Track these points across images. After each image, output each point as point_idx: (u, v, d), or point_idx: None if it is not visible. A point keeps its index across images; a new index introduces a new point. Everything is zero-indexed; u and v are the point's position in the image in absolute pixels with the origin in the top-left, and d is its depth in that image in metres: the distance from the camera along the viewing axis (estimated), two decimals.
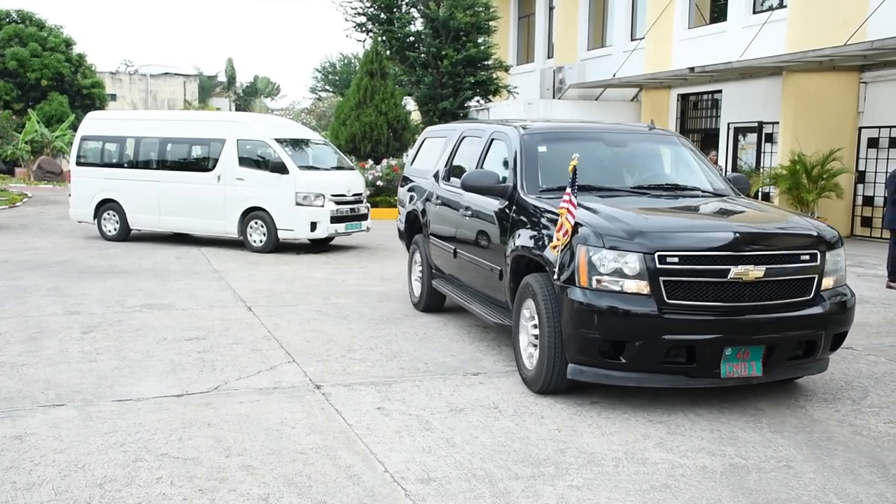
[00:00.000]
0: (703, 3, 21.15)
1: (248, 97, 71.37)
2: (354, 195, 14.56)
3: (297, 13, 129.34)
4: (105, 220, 15.40)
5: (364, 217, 14.77)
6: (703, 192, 7.07)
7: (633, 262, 5.41)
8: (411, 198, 9.51)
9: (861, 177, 17.40)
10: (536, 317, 5.97)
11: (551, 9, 27.66)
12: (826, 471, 4.72)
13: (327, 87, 56.06)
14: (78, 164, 15.85)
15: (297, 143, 14.64)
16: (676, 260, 5.40)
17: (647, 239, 5.47)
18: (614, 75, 22.68)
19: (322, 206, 13.75)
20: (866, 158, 17.22)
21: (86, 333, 7.78)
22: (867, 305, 9.71)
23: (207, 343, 7.46)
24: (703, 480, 4.52)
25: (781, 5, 17.82)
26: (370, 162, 21.54)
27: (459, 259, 7.82)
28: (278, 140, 14.08)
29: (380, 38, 24.70)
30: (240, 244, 14.36)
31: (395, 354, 7.16)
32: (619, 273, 5.44)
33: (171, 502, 4.11)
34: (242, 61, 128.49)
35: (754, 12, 18.93)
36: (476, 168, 7.63)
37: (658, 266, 5.39)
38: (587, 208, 5.88)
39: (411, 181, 9.72)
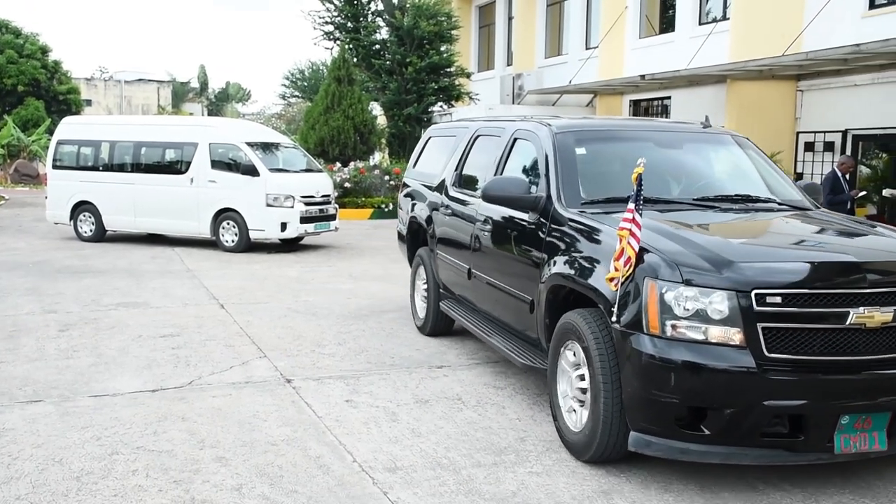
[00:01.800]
0: (652, 15, 21.34)
1: (220, 102, 70.59)
2: (323, 196, 14.49)
3: (268, 21, 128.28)
4: (81, 221, 15.15)
5: (332, 217, 14.69)
6: (779, 204, 5.58)
7: (720, 303, 3.98)
8: (413, 204, 8.07)
9: (799, 178, 17.69)
10: (585, 366, 4.53)
11: (510, 19, 27.76)
12: None
13: (296, 93, 55.62)
14: (54, 167, 15.59)
15: (267, 147, 14.55)
16: (780, 300, 3.98)
17: (738, 271, 4.04)
18: (570, 82, 22.80)
19: (292, 206, 13.66)
20: (804, 161, 17.51)
21: (62, 331, 7.65)
22: None
23: (181, 340, 7.37)
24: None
25: (725, 17, 18.05)
26: (338, 164, 21.43)
27: (476, 281, 6.36)
28: (249, 144, 13.98)
29: (347, 46, 24.60)
30: (212, 244, 14.20)
31: (363, 349, 7.13)
32: (701, 317, 4.00)
33: (146, 494, 4.06)
34: (214, 68, 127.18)
35: (700, 24, 19.15)
36: (496, 174, 6.21)
37: (756, 308, 3.96)
38: (652, 229, 4.43)
39: (413, 186, 8.31)
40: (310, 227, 14.08)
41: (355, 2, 24.80)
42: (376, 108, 26.79)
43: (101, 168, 15.05)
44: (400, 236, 8.70)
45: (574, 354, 4.70)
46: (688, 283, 4.04)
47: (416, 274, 7.97)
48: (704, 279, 4.03)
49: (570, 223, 5.02)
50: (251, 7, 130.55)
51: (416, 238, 8.09)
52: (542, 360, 5.27)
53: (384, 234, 16.85)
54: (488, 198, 5.55)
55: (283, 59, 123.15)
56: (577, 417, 4.68)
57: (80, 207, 15.11)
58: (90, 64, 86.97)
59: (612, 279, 4.25)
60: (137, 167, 14.71)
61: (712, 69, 16.39)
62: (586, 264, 4.70)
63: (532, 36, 26.08)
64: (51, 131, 40.02)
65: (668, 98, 20.59)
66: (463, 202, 6.76)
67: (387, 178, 21.39)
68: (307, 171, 14.90)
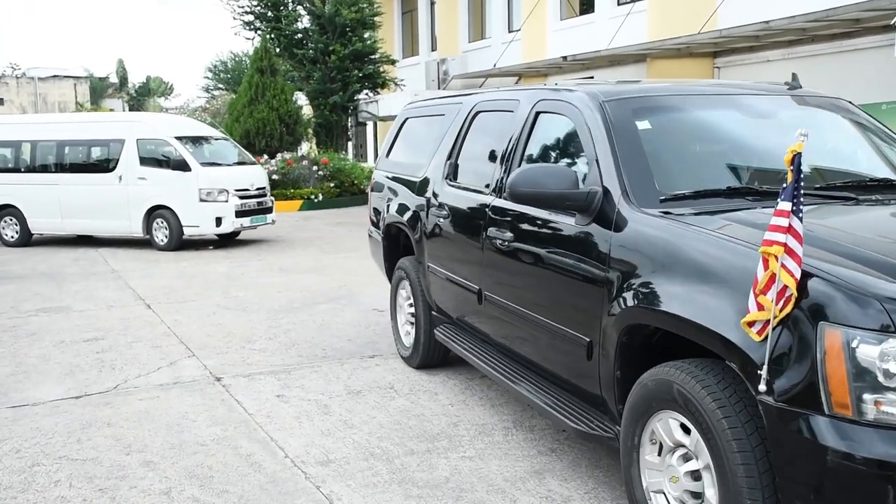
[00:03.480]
0: None
1: (142, 97, 68.87)
2: (258, 189, 14.17)
3: (187, 13, 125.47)
4: (4, 226, 14.59)
5: (269, 210, 14.38)
6: None
7: None
8: (390, 204, 6.46)
9: None
10: (697, 456, 3.02)
11: (433, 4, 27.67)
12: None
13: (220, 85, 54.60)
14: None
15: (197, 141, 14.08)
16: None
17: None
18: (494, 65, 22.87)
19: (226, 201, 13.32)
20: None
21: None
22: None
23: (106, 343, 7.17)
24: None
25: None
26: (265, 157, 21.13)
27: (490, 307, 4.75)
28: (178, 138, 13.54)
29: (268, 36, 24.23)
30: (140, 244, 13.86)
31: (294, 343, 7.05)
32: None
33: None
34: (134, 62, 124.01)
35: (618, 4, 19.40)
36: (508, 161, 4.69)
37: None
38: (807, 239, 2.72)
39: (387, 180, 6.70)
40: (245, 220, 13.74)
41: None
42: (301, 98, 26.49)
43: (22, 169, 14.48)
44: (373, 242, 7.12)
45: (673, 431, 3.12)
46: None
47: (398, 290, 6.42)
48: None
49: (650, 230, 3.42)
50: None
51: (396, 245, 6.54)
52: (605, 424, 3.74)
53: (314, 226, 16.73)
54: (518, 195, 3.94)
55: (205, 50, 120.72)
56: None
57: (3, 211, 14.55)
58: (0, 61, 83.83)
59: (753, 323, 2.69)
60: (62, 167, 14.17)
61: (632, 48, 16.63)
62: (694, 295, 3.05)
63: (455, 21, 26.08)
64: None
65: (591, 78, 20.79)
66: (465, 201, 5.15)
67: (315, 168, 21.18)
68: (240, 163, 14.56)
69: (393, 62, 26.09)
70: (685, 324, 3.05)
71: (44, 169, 14.34)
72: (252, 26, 24.97)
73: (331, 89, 24.06)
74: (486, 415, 5.09)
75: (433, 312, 5.85)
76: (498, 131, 4.98)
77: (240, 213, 13.55)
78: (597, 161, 3.89)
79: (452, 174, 5.51)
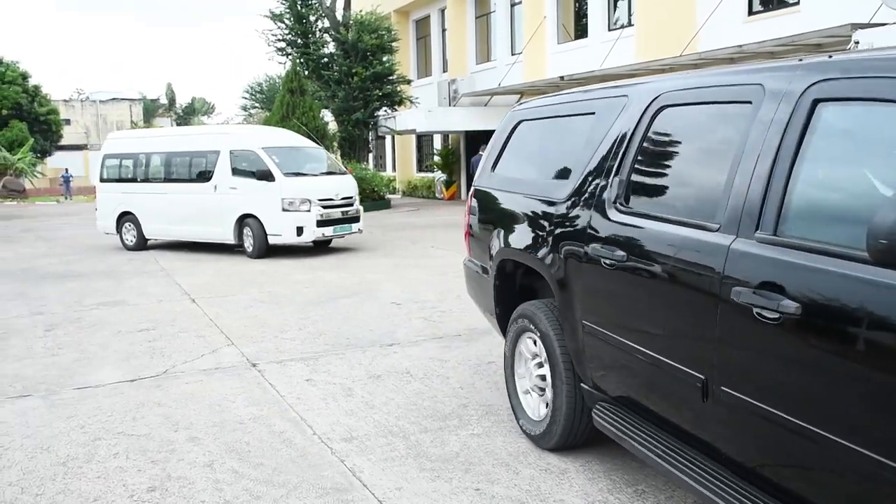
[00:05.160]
0: (568, 23, 21.49)
1: (188, 116, 69.23)
2: (344, 199, 13.00)
3: (227, 40, 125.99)
4: (125, 231, 14.36)
5: (355, 219, 13.17)
6: None
7: None
8: (505, 231, 4.47)
9: None
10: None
11: (444, 30, 27.73)
12: None
13: (256, 104, 54.77)
14: (102, 180, 14.80)
15: (287, 151, 13.14)
16: None
17: None
18: (499, 84, 22.88)
19: (308, 210, 12.29)
20: None
21: (48, 331, 7.45)
22: None
23: (157, 333, 7.24)
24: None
25: (630, 24, 18.29)
26: None
27: (727, 410, 2.70)
28: (265, 148, 12.72)
29: (298, 61, 24.33)
30: (189, 246, 13.94)
31: (321, 333, 7.09)
32: None
33: (126, 474, 4.00)
34: (180, 84, 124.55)
35: (609, 30, 19.38)
36: (789, 184, 2.53)
37: None
38: None
39: (497, 200, 4.74)
40: (328, 230, 12.62)
41: (304, 20, 24.51)
42: (327, 115, 26.57)
43: (138, 179, 14.26)
44: (473, 276, 5.12)
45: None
46: None
47: (519, 344, 4.39)
48: None
49: None
50: (209, 21, 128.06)
51: (511, 285, 4.61)
52: None
53: None
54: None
55: (243, 73, 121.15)
56: None
57: (124, 218, 14.34)
58: (67, 86, 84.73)
59: None
60: (169, 177, 13.77)
61: (622, 69, 16.61)
62: None
63: (464, 45, 26.11)
64: (34, 150, 39.36)
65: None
66: (666, 241, 3.06)
67: None
68: (329, 173, 13.42)
69: (408, 82, 26.13)
70: None
71: (155, 179, 14.02)
72: (284, 52, 25.06)
73: (353, 107, 24.13)
74: (493, 397, 5.11)
75: (588, 388, 3.73)
76: (715, 135, 3.05)
77: (321, 223, 12.49)
78: None
79: (624, 196, 3.43)
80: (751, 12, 15.06)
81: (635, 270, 3.25)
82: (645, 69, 16.18)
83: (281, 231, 12.33)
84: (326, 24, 24.99)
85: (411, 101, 25.66)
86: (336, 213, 12.76)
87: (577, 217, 3.72)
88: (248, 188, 12.59)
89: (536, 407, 4.28)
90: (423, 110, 24.29)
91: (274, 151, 12.75)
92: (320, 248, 13.49)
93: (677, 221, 3.03)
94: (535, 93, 22.11)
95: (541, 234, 4.05)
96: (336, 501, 3.62)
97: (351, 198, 13.21)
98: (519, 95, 23.50)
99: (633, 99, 3.64)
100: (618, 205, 3.45)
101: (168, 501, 3.67)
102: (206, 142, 13.58)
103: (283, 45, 25.09)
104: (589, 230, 3.58)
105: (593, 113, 3.93)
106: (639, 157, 3.44)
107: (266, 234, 12.43)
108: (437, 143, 28.38)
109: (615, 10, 19.55)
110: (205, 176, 13.20)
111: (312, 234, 12.41)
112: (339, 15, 24.94)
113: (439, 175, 27.66)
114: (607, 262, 3.39)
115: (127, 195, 14.29)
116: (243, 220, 12.71)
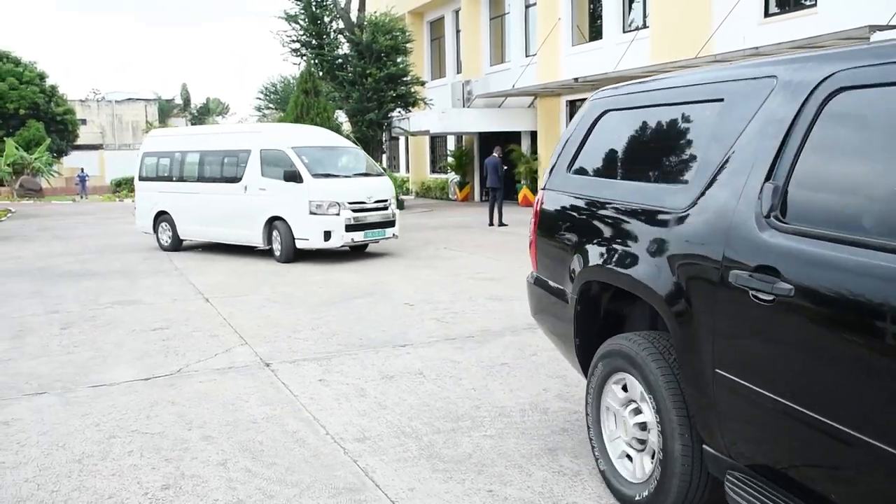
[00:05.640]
0: (582, 25, 21.44)
1: (202, 116, 69.58)
2: (378, 202, 12.14)
3: (228, 40, 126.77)
4: (161, 231, 14.04)
5: (389, 224, 12.32)
6: None
7: None
8: (589, 245, 3.67)
9: None
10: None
11: (458, 32, 27.73)
12: None
13: (270, 105, 54.97)
14: (140, 179, 14.58)
15: (318, 151, 12.41)
16: None
17: None
18: (513, 86, 22.85)
19: (337, 214, 11.57)
20: None
21: (64, 329, 7.51)
22: None
23: (171, 332, 7.28)
24: None
25: (645, 26, 18.23)
26: None
27: None
28: (295, 148, 12.03)
29: (312, 61, 24.39)
30: (203, 246, 13.98)
31: (334, 333, 7.11)
32: None
33: (140, 472, 4.03)
34: (195, 85, 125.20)
35: (624, 32, 19.32)
36: None
37: None
38: None
39: (576, 209, 3.95)
40: (358, 235, 11.84)
41: (319, 21, 24.56)
42: (341, 116, 26.63)
43: (174, 179, 13.86)
44: (541, 297, 4.31)
45: None
46: None
47: (608, 386, 3.56)
48: None
49: None
50: (210, 21, 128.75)
51: (594, 313, 3.81)
52: None
53: None
54: None
55: (257, 74, 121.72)
56: None
57: (160, 217, 14.02)
58: (83, 86, 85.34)
59: None
60: (203, 177, 13.30)
61: (637, 71, 16.54)
62: None
63: (478, 46, 26.10)
64: (50, 149, 39.76)
65: None
66: (870, 270, 2.18)
67: None
68: (364, 174, 12.64)
69: (422, 83, 26.14)
70: None
71: (189, 178, 13.58)
72: (298, 53, 25.13)
73: (367, 108, 24.17)
74: (506, 398, 5.10)
75: (708, 447, 2.94)
76: None
77: (351, 227, 11.73)
78: None
79: (780, 208, 2.59)
80: (767, 14, 14.98)
81: (814, 313, 2.37)
82: (661, 71, 16.13)
83: (308, 235, 11.71)
84: (341, 25, 25.04)
85: (425, 103, 25.68)
86: (368, 217, 11.98)
87: (706, 233, 2.86)
88: (277, 189, 11.96)
89: (636, 465, 3.40)
90: (437, 111, 24.30)
91: (304, 151, 12.12)
92: (345, 251, 12.96)
93: (879, 247, 2.17)
94: (549, 94, 22.09)
95: (649, 251, 3.18)
96: (349, 501, 3.63)
97: (386, 201, 12.36)
98: (533, 97, 23.50)
99: (785, 80, 2.75)
100: (773, 219, 2.58)
101: (182, 499, 3.69)
102: (238, 140, 13.06)
103: (297, 46, 25.17)
104: (728, 251, 2.72)
105: (721, 99, 3.06)
106: (801, 157, 2.55)
107: (294, 239, 11.85)
108: (451, 144, 28.39)
109: (630, 12, 19.48)
110: (236, 176, 12.70)
111: (341, 239, 11.69)
112: (353, 16, 24.98)
113: (453, 176, 27.67)
114: (761, 296, 2.52)
115: (163, 194, 13.95)
116: (272, 223, 12.16)
